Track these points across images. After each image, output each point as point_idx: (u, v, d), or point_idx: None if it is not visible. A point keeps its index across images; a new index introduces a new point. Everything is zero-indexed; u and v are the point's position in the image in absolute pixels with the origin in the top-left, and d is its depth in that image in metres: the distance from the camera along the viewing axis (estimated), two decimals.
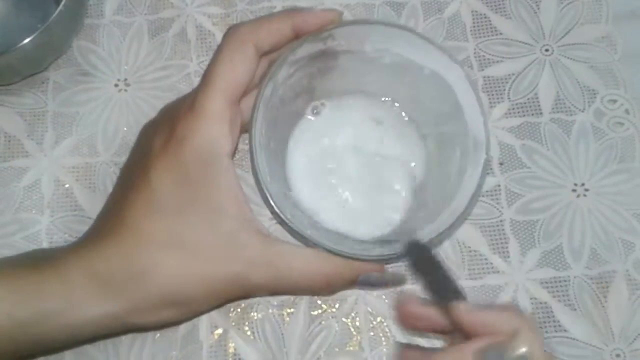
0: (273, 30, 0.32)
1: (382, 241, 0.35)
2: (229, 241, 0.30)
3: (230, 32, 0.32)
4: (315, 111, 0.37)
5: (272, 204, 0.31)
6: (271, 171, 0.33)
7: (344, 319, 0.36)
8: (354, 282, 0.32)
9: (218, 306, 0.34)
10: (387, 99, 0.38)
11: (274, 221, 0.37)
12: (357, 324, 0.36)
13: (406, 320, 0.30)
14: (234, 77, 0.31)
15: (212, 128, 0.30)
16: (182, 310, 0.31)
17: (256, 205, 0.36)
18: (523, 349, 0.25)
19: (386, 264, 0.35)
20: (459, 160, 0.34)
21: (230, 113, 0.31)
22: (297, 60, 0.34)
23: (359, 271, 0.32)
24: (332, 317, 0.36)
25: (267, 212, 0.36)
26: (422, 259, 0.30)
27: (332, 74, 0.36)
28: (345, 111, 0.37)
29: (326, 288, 0.32)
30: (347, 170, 0.36)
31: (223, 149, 0.31)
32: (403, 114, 0.37)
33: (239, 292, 0.32)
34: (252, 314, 0.36)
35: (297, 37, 0.33)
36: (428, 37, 0.34)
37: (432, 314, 0.29)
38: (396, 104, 0.38)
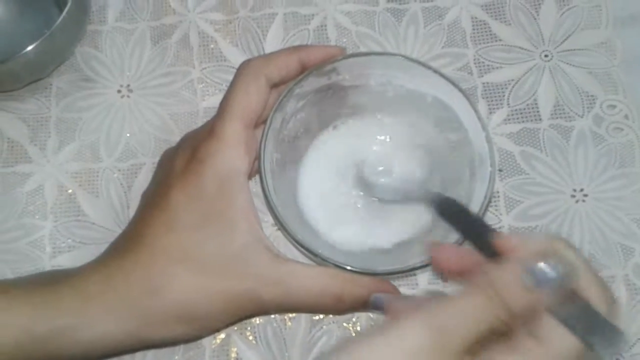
0: (281, 64, 0.34)
1: (391, 253, 0.35)
2: (239, 257, 0.31)
3: (244, 65, 0.35)
4: (326, 133, 0.38)
5: (284, 225, 0.33)
6: (283, 193, 0.35)
7: (345, 324, 0.37)
8: (365, 302, 0.32)
9: (232, 323, 0.34)
10: (397, 125, 0.38)
11: (276, 227, 0.38)
12: (358, 328, 0.37)
13: (442, 263, 0.28)
14: (248, 105, 0.33)
15: (230, 149, 0.32)
16: (196, 326, 0.32)
17: (260, 212, 0.36)
18: (567, 254, 0.24)
19: (396, 278, 0.36)
20: (469, 180, 0.35)
21: (246, 136, 0.33)
22: (305, 94, 0.36)
23: (368, 288, 0.32)
24: (334, 322, 0.37)
25: (270, 218, 0.37)
26: (452, 212, 0.30)
27: (342, 109, 0.38)
28: (357, 134, 0.38)
29: (336, 307, 0.32)
30: (357, 190, 0.37)
31: (239, 169, 0.32)
32: (413, 138, 0.38)
33: (252, 309, 0.32)
34: (254, 318, 0.37)
35: (304, 70, 0.35)
36: (425, 62, 0.36)
37: (467, 254, 0.28)
38: (405, 130, 0.38)
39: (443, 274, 0.28)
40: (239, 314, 0.33)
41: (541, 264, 0.24)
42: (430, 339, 0.22)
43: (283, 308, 0.34)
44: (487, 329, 0.23)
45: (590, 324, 0.24)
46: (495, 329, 0.23)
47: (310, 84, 0.35)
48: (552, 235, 0.27)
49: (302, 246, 0.32)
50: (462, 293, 0.24)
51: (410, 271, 0.33)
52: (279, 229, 0.36)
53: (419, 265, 0.32)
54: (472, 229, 0.28)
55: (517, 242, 0.25)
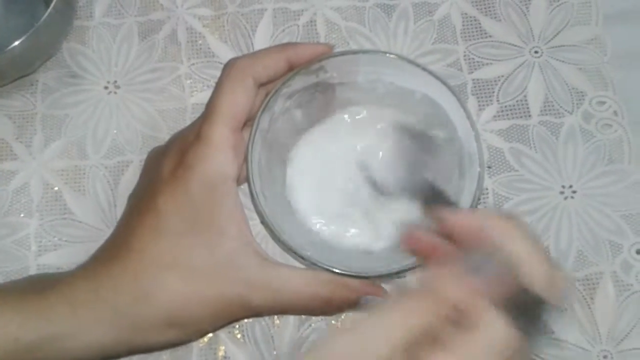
0: (269, 63, 0.34)
1: (382, 256, 0.35)
2: (228, 262, 0.31)
3: (230, 64, 0.34)
4: (315, 131, 0.38)
5: (272, 229, 0.33)
6: (273, 193, 0.35)
7: (333, 322, 0.37)
8: (355, 305, 0.32)
9: (223, 325, 0.34)
10: (386, 122, 0.38)
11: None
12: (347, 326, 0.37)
13: (410, 244, 0.28)
14: (235, 107, 0.33)
15: (218, 155, 0.32)
16: (187, 331, 0.32)
17: (248, 209, 0.36)
18: (510, 237, 0.24)
19: (385, 281, 0.36)
20: (457, 179, 0.35)
21: (234, 140, 0.33)
22: (292, 93, 0.35)
23: (357, 291, 0.32)
24: (322, 320, 0.37)
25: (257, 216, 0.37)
26: (428, 197, 0.30)
27: (330, 106, 0.37)
28: (345, 132, 0.38)
29: (325, 309, 0.33)
30: (347, 188, 0.37)
31: (228, 174, 0.32)
32: (402, 136, 0.38)
33: (242, 313, 0.32)
34: None
35: (291, 69, 0.35)
36: (414, 60, 0.36)
37: (433, 237, 0.28)
38: (394, 127, 0.38)
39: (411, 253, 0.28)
40: (230, 317, 0.33)
41: (477, 255, 0.23)
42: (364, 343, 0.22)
43: (273, 311, 0.34)
44: (423, 329, 0.23)
45: (526, 312, 0.23)
46: (437, 326, 0.23)
47: (297, 82, 0.35)
48: (503, 214, 0.26)
49: (291, 250, 0.32)
50: (401, 296, 0.24)
51: (400, 274, 0.32)
52: (267, 232, 0.36)
53: (409, 267, 0.32)
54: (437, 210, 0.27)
55: (463, 225, 0.25)
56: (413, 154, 0.35)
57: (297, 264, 0.34)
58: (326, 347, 0.23)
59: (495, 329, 0.23)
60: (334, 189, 0.37)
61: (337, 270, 0.32)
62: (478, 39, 0.42)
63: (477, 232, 0.25)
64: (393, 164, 0.36)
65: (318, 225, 0.36)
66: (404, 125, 0.36)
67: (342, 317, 0.37)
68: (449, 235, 0.26)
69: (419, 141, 0.36)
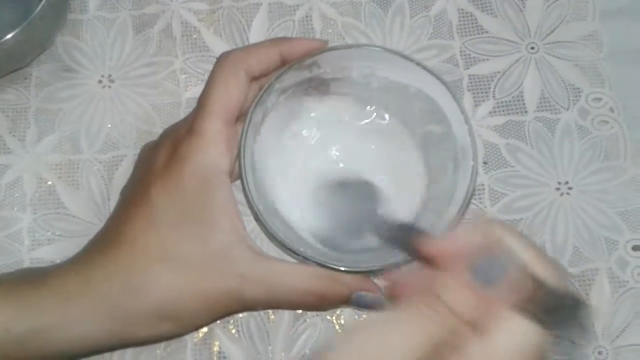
0: (262, 57, 0.34)
1: (373, 251, 0.35)
2: (221, 256, 0.31)
3: (223, 58, 0.34)
4: (301, 129, 0.37)
5: (264, 224, 0.32)
6: (263, 191, 0.34)
7: (328, 317, 0.36)
8: (348, 300, 0.32)
9: (215, 319, 0.34)
10: (380, 118, 0.38)
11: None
12: (342, 321, 0.36)
13: (399, 291, 0.27)
14: (228, 101, 0.33)
15: (211, 148, 0.32)
16: (180, 324, 0.32)
17: (241, 205, 0.36)
18: (508, 250, 0.23)
19: (377, 276, 0.36)
20: (452, 174, 0.34)
21: (227, 133, 0.32)
22: (286, 88, 0.35)
23: (350, 286, 0.32)
24: (317, 315, 0.36)
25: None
26: (394, 236, 0.29)
27: (325, 103, 0.37)
28: (335, 128, 0.37)
29: (319, 304, 0.32)
30: (337, 186, 0.37)
31: (221, 167, 0.32)
32: (397, 132, 0.38)
33: (234, 307, 0.32)
34: None
35: (285, 63, 0.34)
36: (408, 55, 0.35)
37: (420, 274, 0.26)
38: (389, 123, 0.38)
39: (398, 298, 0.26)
40: (223, 311, 0.32)
41: (482, 261, 0.23)
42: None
43: (266, 306, 0.34)
44: (437, 341, 0.22)
45: (553, 309, 0.22)
46: (452, 337, 0.22)
47: (290, 78, 0.35)
48: (486, 222, 0.26)
49: (284, 245, 0.32)
50: (407, 310, 0.23)
51: (391, 268, 0.32)
52: (259, 227, 0.36)
53: (400, 262, 0.31)
54: (411, 243, 0.26)
55: (451, 246, 0.24)
56: (362, 205, 0.35)
57: (290, 259, 0.34)
58: (344, 351, 0.22)
59: (514, 332, 0.22)
60: (312, 186, 0.36)
61: (329, 265, 0.32)
62: (474, 34, 0.42)
63: (467, 250, 0.24)
64: (349, 223, 0.35)
65: (305, 220, 0.36)
66: (341, 181, 0.36)
67: (338, 312, 0.37)
68: (436, 263, 0.25)
69: (359, 190, 0.36)
